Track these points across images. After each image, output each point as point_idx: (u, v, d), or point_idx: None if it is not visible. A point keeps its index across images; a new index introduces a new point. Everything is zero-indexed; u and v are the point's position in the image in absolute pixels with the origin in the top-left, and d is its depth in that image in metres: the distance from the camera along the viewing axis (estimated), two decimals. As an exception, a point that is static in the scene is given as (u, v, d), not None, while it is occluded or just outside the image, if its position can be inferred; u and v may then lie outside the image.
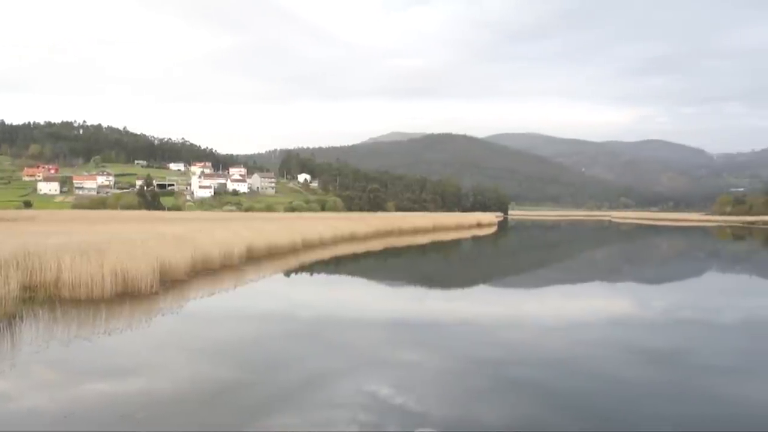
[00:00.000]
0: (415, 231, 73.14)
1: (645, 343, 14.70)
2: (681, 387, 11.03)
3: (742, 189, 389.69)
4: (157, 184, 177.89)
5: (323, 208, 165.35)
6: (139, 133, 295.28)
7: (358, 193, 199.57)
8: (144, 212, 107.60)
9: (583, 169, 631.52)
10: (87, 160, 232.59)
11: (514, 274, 35.01)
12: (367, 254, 42.78)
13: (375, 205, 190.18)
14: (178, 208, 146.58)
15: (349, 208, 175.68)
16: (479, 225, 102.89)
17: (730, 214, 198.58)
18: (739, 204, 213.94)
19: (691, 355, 13.56)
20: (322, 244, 44.75)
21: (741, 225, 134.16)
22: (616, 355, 13.30)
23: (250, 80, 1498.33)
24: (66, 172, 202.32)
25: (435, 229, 79.53)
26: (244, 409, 9.28)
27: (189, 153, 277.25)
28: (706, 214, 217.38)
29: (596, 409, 9.68)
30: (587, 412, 9.55)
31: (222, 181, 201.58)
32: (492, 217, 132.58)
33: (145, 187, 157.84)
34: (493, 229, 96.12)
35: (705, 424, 9.10)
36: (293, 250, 38.15)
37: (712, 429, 8.91)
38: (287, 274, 28.98)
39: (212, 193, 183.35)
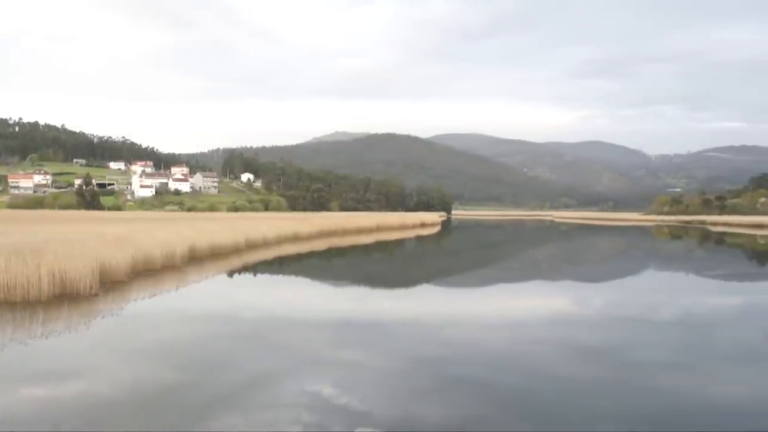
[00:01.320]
0: (359, 231, 73.13)
1: (585, 340, 14.92)
2: (620, 383, 11.24)
3: (678, 189, 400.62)
4: (97, 184, 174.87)
5: (267, 208, 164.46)
6: (78, 131, 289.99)
7: (302, 193, 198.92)
8: (83, 212, 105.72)
9: (525, 170, 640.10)
10: (23, 158, 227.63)
11: (458, 274, 35.22)
12: (311, 254, 42.64)
13: (319, 204, 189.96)
14: (118, 208, 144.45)
15: (293, 208, 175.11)
16: (423, 225, 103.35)
17: (667, 213, 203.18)
18: (676, 204, 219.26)
19: (630, 352, 13.80)
20: (265, 244, 44.47)
21: (678, 224, 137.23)
22: (557, 353, 13.46)
23: (193, 79, 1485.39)
24: (0, 170, 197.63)
25: (379, 229, 79.63)
26: (187, 410, 9.17)
27: (130, 152, 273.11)
28: (645, 214, 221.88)
29: (538, 407, 9.79)
30: (530, 409, 9.66)
31: (164, 180, 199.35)
32: (435, 217, 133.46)
33: (84, 187, 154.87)
34: (437, 229, 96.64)
35: (645, 418, 9.27)
36: (236, 250, 37.84)
37: (652, 423, 9.08)
38: (230, 274, 28.72)
39: (154, 193, 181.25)
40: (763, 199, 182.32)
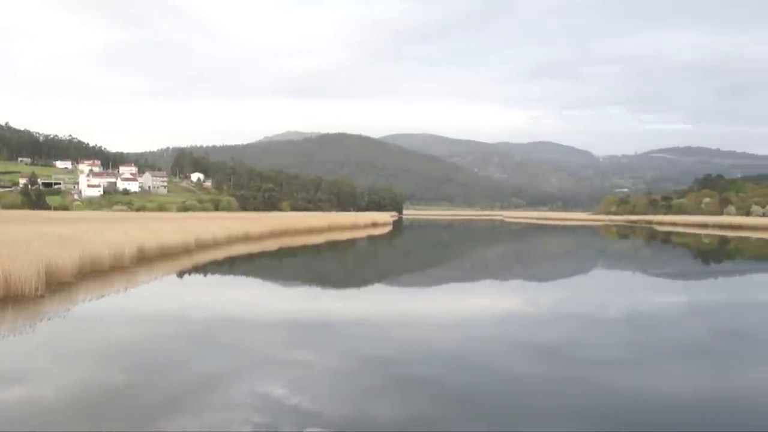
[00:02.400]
0: (310, 231, 72.93)
1: (535, 338, 15.10)
2: (569, 379, 11.41)
3: (626, 189, 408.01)
4: (43, 183, 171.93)
5: (217, 208, 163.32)
6: (23, 129, 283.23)
7: (253, 193, 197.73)
8: (28, 212, 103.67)
9: (476, 170, 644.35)
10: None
11: (409, 274, 35.31)
12: (262, 254, 42.42)
13: (270, 204, 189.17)
14: (65, 208, 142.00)
15: (244, 208, 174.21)
16: (374, 224, 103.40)
17: (615, 213, 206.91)
18: (623, 204, 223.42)
19: (578, 349, 14.01)
20: (216, 244, 44.12)
21: (625, 224, 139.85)
22: (507, 351, 13.61)
23: (142, 77, 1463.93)
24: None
25: (330, 229, 79.52)
26: (136, 412, 9.06)
27: (77, 150, 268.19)
28: (593, 214, 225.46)
29: (489, 405, 9.88)
30: (481, 407, 9.73)
31: (112, 179, 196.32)
32: (387, 217, 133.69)
33: (30, 186, 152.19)
34: (388, 229, 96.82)
35: (592, 413, 9.43)
36: (186, 250, 37.47)
37: (602, 419, 9.23)
38: (180, 275, 28.44)
39: (101, 193, 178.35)
40: (707, 200, 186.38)
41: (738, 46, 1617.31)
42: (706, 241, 71.74)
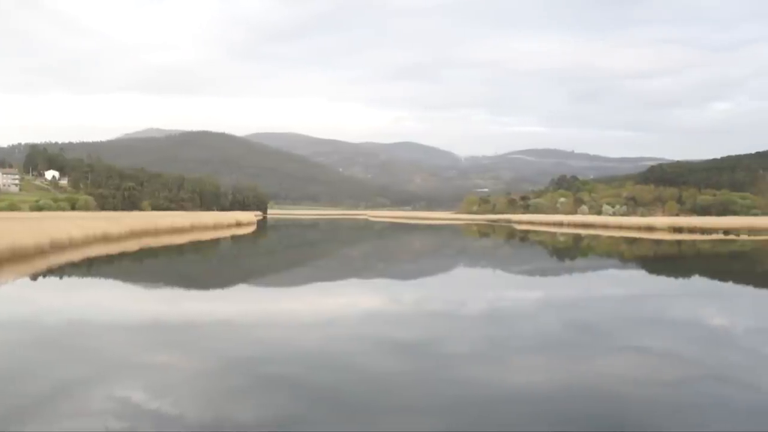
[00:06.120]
0: (173, 230, 71.40)
1: (398, 335, 15.44)
2: (428, 374, 11.77)
3: (486, 189, 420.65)
4: None
5: (73, 208, 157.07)
6: None
7: (112, 192, 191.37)
8: None
9: (340, 169, 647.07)
10: None
11: (273, 273, 35.23)
12: (122, 255, 41.22)
13: (130, 204, 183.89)
14: None
15: (103, 207, 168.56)
16: (238, 224, 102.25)
17: (476, 212, 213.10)
18: (484, 203, 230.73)
19: (437, 345, 14.44)
20: (72, 245, 42.50)
21: (486, 223, 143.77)
22: (369, 349, 13.86)
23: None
24: None
25: (193, 229, 78.08)
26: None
27: None
28: (455, 213, 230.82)
29: (351, 402, 10.07)
30: (342, 404, 9.92)
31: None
32: (251, 216, 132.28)
33: None
34: (253, 228, 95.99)
35: (450, 406, 9.76)
36: (40, 252, 35.94)
37: (456, 410, 9.56)
38: (33, 278, 27.28)
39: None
40: (562, 199, 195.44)
41: (590, 55, 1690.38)
42: (562, 239, 75.00)
